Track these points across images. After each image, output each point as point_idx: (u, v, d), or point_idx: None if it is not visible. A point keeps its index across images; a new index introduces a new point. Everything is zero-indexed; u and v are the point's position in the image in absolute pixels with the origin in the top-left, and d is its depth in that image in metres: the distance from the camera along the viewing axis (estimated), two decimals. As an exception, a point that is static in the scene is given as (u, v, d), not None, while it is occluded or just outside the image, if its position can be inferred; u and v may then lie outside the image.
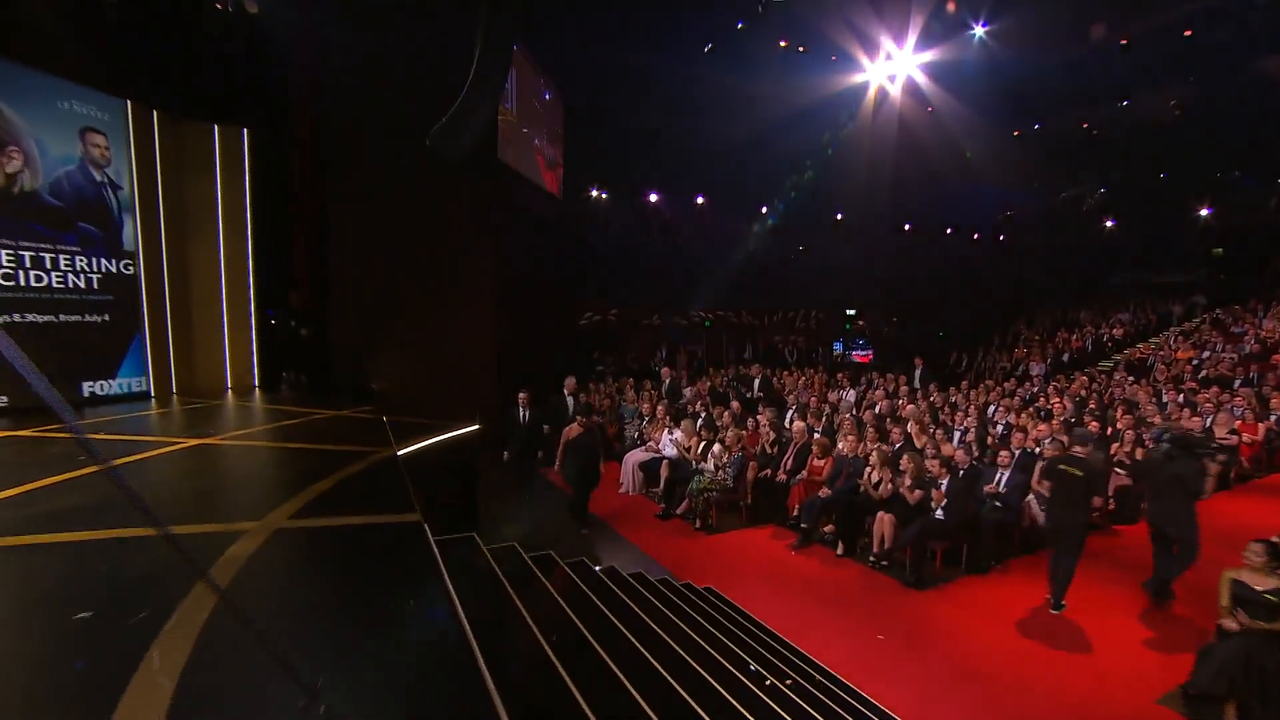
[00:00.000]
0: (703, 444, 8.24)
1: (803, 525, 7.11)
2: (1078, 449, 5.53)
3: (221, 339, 9.02)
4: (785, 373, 15.54)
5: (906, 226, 23.40)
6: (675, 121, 17.31)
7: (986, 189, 22.58)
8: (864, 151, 19.51)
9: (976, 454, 7.42)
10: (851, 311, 23.27)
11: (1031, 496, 6.63)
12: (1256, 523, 6.43)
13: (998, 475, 6.66)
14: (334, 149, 9.49)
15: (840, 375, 14.64)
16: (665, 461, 8.45)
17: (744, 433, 8.22)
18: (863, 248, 22.60)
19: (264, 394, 8.85)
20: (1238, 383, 14.14)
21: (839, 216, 21.83)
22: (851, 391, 13.77)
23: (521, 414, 8.44)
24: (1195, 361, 16.18)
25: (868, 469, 7.03)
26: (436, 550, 2.85)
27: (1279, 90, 15.83)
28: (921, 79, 17.82)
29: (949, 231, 24.47)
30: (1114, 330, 20.52)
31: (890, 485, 6.67)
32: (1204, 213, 21.52)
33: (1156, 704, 4.27)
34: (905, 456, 6.61)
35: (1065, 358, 18.94)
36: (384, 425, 6.26)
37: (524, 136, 12.51)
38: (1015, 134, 22.33)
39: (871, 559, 6.47)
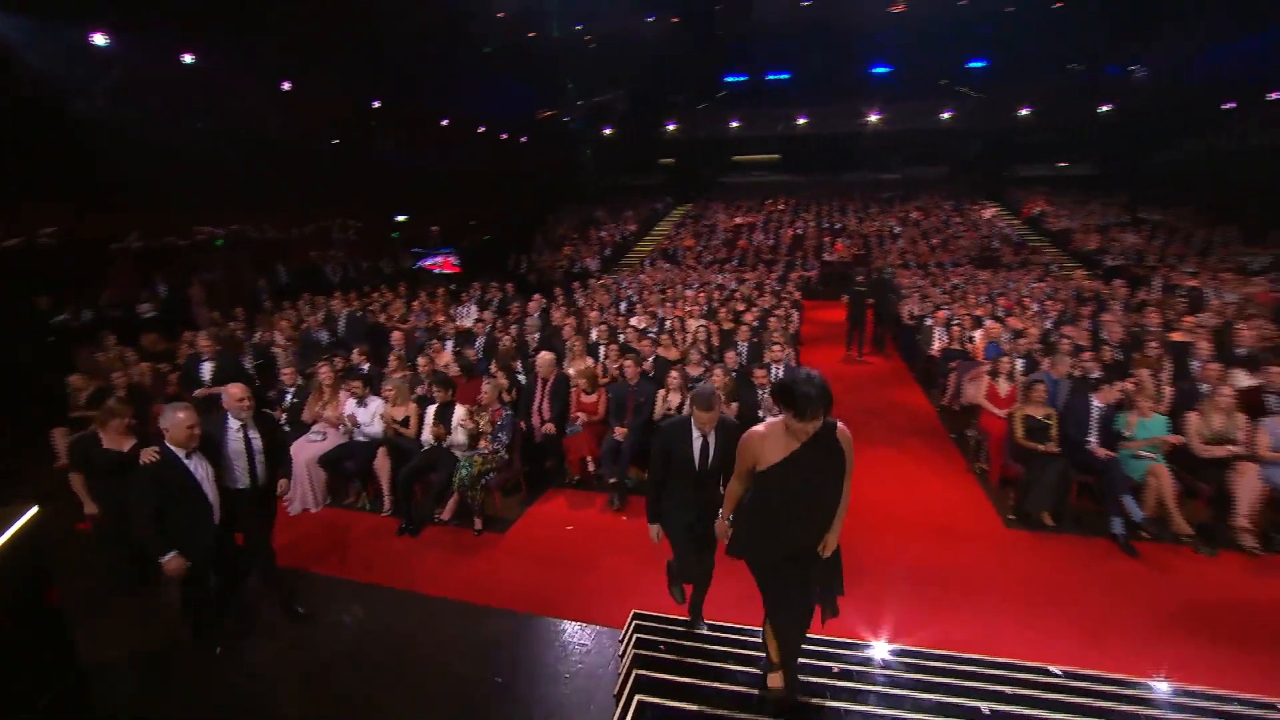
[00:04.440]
0: (434, 408, 5.61)
1: (611, 480, 5.69)
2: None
3: None
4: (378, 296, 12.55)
5: (444, 122, 21.53)
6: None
7: (517, 88, 22.55)
8: (404, 27, 16.41)
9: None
10: (401, 218, 20.56)
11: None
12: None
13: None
14: None
15: (464, 295, 12.54)
16: (382, 449, 5.49)
17: (504, 383, 5.95)
18: (405, 142, 19.82)
19: None
20: (735, 262, 18.50)
21: (376, 105, 18.32)
22: (474, 308, 12.12)
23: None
24: (699, 248, 20.42)
25: (661, 393, 6.02)
26: None
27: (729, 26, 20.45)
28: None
29: (481, 130, 23.77)
30: (629, 225, 24.09)
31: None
32: (670, 127, 26.71)
33: (1007, 528, 4.96)
34: (719, 372, 5.84)
35: (608, 252, 21.28)
36: None
37: None
38: (531, 35, 22.65)
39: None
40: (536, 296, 11.44)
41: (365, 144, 18.38)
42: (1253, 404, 5.11)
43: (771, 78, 26.24)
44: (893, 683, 2.82)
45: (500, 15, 19.20)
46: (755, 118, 25.90)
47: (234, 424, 3.68)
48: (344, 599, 4.25)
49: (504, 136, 24.87)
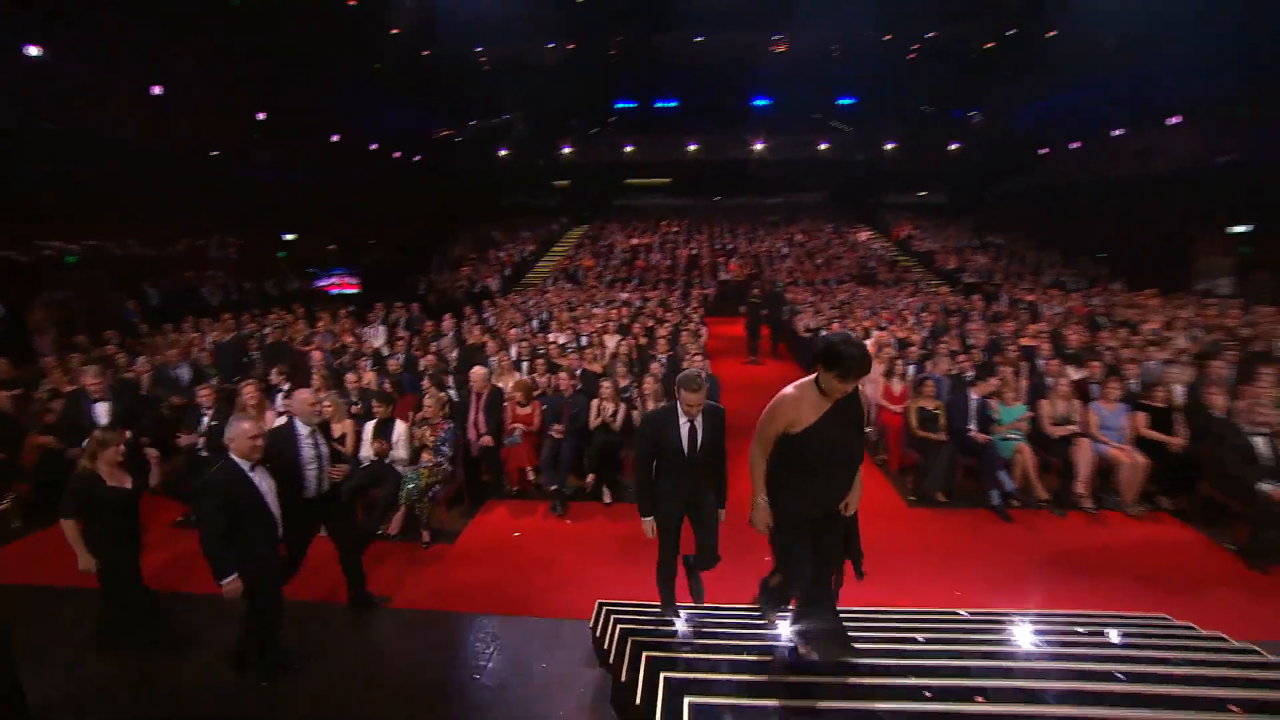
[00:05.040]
0: (372, 424, 5.57)
1: (551, 487, 5.89)
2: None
3: None
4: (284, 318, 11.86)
5: (334, 137, 20.67)
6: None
7: (411, 107, 22.12)
8: (292, 36, 15.70)
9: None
10: (290, 236, 19.42)
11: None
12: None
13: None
14: None
15: (369, 315, 12.09)
16: (319, 469, 5.36)
17: (443, 396, 5.97)
18: (292, 157, 18.80)
19: None
20: (635, 281, 19.15)
21: (260, 116, 17.31)
22: (381, 328, 11.80)
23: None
24: (599, 268, 20.89)
25: (595, 402, 6.33)
26: None
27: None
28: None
29: (374, 147, 23.01)
30: (528, 245, 24.16)
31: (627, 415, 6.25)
32: (565, 150, 27.16)
33: (909, 507, 5.73)
34: (649, 379, 6.24)
35: (508, 272, 21.22)
36: None
37: None
38: (424, 53, 22.42)
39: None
40: (448, 316, 11.36)
41: (248, 157, 17.24)
42: (1082, 392, 6.30)
43: (660, 105, 27.55)
44: (843, 630, 3.30)
45: (394, 32, 18.87)
46: (647, 143, 27.02)
47: (304, 430, 3.65)
48: (300, 619, 4.16)
49: (397, 155, 24.20)
